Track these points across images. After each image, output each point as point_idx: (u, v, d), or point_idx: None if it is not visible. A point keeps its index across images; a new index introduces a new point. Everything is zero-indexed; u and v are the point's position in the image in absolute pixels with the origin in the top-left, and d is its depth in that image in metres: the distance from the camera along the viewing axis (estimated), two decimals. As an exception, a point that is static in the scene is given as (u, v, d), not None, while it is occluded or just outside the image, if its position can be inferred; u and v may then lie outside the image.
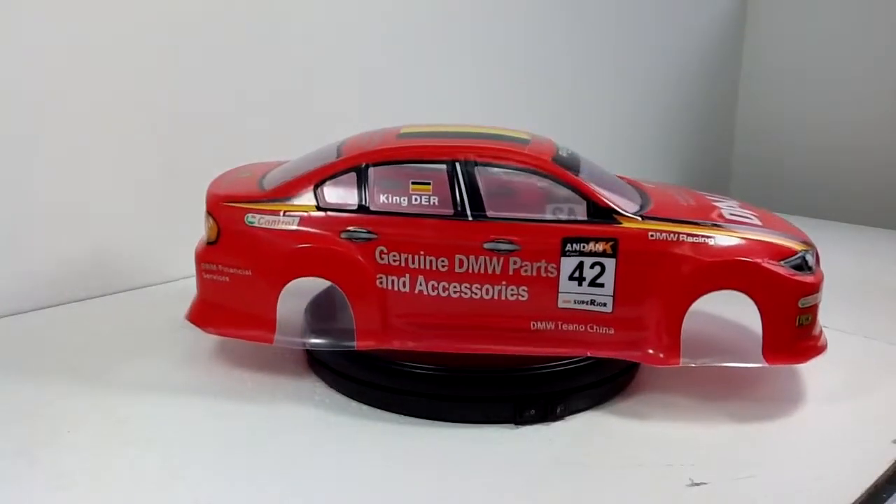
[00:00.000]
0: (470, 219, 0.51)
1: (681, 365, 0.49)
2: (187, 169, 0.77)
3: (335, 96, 0.87)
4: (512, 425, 0.49)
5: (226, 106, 0.79)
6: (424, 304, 0.52)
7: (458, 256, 0.50)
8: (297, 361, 0.58)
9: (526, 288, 0.50)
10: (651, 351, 0.50)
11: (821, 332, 0.53)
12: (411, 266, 0.51)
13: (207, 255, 0.56)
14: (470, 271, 0.51)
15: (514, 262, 0.50)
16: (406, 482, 0.43)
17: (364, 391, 0.52)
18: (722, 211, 0.53)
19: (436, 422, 0.49)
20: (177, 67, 0.75)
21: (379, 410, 0.51)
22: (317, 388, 0.54)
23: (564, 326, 0.51)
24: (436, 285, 0.51)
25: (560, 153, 0.54)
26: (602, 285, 0.50)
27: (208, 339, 0.62)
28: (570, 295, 0.50)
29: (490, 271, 0.50)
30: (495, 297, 0.51)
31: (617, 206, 0.51)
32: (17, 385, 0.54)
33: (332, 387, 0.54)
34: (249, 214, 0.53)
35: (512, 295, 0.51)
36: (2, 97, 0.66)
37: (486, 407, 0.50)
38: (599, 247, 0.50)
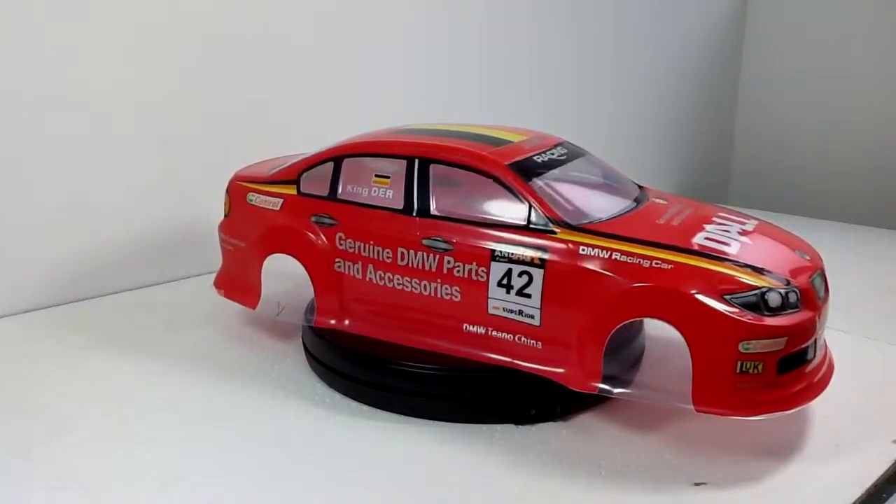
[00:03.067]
0: (414, 214, 0.52)
1: (598, 392, 0.46)
2: (188, 169, 0.77)
3: (336, 97, 0.87)
4: (512, 425, 0.49)
5: (228, 107, 0.79)
6: (373, 292, 0.54)
7: (400, 249, 0.52)
8: (298, 361, 0.58)
9: (459, 289, 0.50)
10: (570, 371, 0.47)
11: (796, 382, 0.45)
12: (363, 254, 0.54)
13: (222, 227, 0.64)
14: (410, 265, 0.52)
15: (448, 262, 0.50)
16: (406, 482, 0.43)
17: (364, 391, 0.52)
18: (702, 234, 0.48)
19: (436, 422, 0.49)
20: (178, 70, 0.75)
21: (379, 410, 0.51)
22: (317, 388, 0.54)
23: (494, 333, 0.50)
24: (382, 275, 0.53)
25: (535, 157, 0.52)
26: (529, 296, 0.48)
27: (207, 340, 0.62)
28: (499, 301, 0.49)
29: (427, 268, 0.51)
30: (432, 293, 0.51)
31: (561, 216, 0.48)
32: (16, 385, 0.55)
33: (332, 387, 0.54)
34: (250, 193, 0.60)
35: (447, 294, 0.51)
36: (4, 99, 0.66)
37: (486, 407, 0.50)
38: (528, 255, 0.48)
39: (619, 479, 0.44)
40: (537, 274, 0.47)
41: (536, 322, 0.48)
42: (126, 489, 0.42)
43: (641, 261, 0.45)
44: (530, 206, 0.49)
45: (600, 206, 0.51)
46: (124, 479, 0.43)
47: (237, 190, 0.62)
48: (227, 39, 0.78)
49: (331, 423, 0.49)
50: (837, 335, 0.52)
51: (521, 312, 0.49)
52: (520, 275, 0.48)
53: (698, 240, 0.47)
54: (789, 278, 0.45)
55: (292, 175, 0.58)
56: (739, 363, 0.43)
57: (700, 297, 0.43)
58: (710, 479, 0.43)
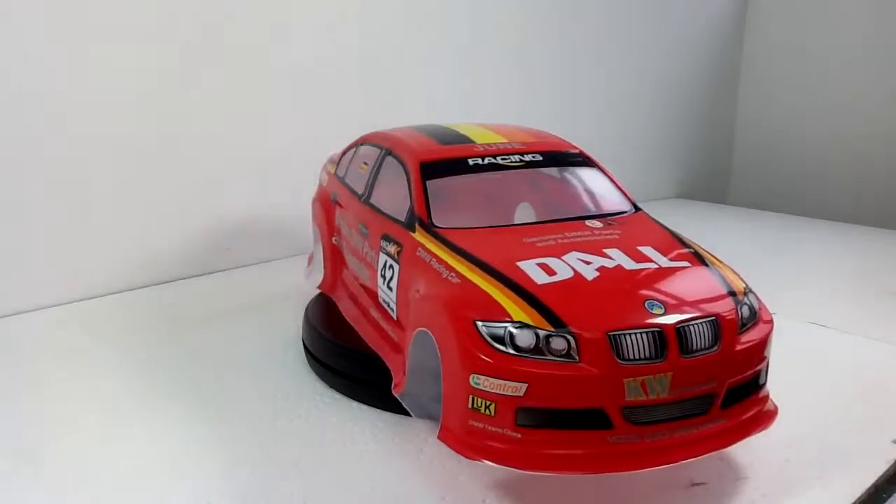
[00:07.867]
0: (361, 200, 0.57)
1: (398, 398, 0.46)
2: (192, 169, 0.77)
3: (343, 99, 0.87)
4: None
5: (235, 109, 0.79)
6: (347, 267, 0.61)
7: (352, 231, 0.58)
8: (298, 361, 0.58)
9: (369, 274, 0.53)
10: (393, 371, 0.47)
11: (554, 445, 0.37)
12: (343, 232, 0.61)
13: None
14: (355, 247, 0.57)
15: (365, 247, 0.54)
16: (406, 481, 0.43)
17: (364, 391, 0.52)
18: (537, 260, 0.42)
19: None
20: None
21: (379, 410, 0.51)
22: (317, 388, 0.54)
23: (382, 323, 0.51)
24: (347, 253, 0.59)
25: (470, 159, 0.51)
26: (392, 289, 0.48)
27: (207, 340, 0.62)
28: (381, 291, 0.50)
29: (360, 249, 0.55)
30: (361, 275, 0.56)
31: (427, 217, 0.47)
32: (16, 385, 0.55)
33: (332, 387, 0.54)
34: (323, 171, 0.69)
35: (366, 277, 0.54)
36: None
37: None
38: (392, 249, 0.48)
39: (618, 478, 0.44)
40: (396, 269, 0.48)
41: (395, 315, 0.49)
42: (126, 489, 0.42)
43: (443, 271, 0.42)
44: (411, 204, 0.49)
45: (486, 215, 0.49)
46: (124, 479, 0.43)
47: (323, 168, 0.70)
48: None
49: (331, 423, 0.49)
50: (838, 335, 0.52)
51: (388, 305, 0.50)
52: (389, 267, 0.49)
53: (525, 263, 0.41)
54: (572, 325, 0.37)
55: (338, 157, 0.66)
56: (471, 397, 0.38)
57: (450, 315, 0.39)
58: (709, 479, 0.43)
